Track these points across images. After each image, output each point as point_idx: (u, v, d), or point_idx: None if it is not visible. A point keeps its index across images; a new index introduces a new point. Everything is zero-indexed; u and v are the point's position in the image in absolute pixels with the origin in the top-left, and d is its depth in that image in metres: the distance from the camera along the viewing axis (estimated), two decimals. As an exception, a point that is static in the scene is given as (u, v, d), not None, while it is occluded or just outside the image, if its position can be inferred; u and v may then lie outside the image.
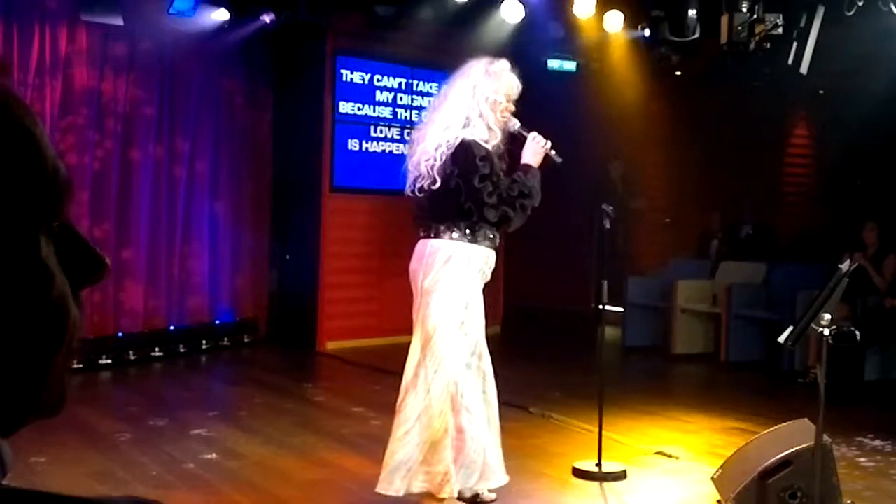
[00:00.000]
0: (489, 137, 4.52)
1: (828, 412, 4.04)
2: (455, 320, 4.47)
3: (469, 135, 4.48)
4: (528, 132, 4.68)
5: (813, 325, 4.00)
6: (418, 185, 4.55)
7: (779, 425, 4.77)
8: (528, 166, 4.61)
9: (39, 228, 0.76)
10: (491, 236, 4.56)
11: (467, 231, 4.48)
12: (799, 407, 5.17)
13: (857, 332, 4.49)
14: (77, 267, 0.80)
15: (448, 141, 4.46)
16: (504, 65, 4.65)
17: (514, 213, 4.49)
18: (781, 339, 4.24)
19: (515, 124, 4.65)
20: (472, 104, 4.55)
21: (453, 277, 4.48)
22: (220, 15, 8.78)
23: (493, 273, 4.70)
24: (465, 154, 4.44)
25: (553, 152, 4.63)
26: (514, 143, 4.74)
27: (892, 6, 7.11)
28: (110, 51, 8.62)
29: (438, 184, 4.46)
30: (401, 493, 4.56)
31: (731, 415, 7.27)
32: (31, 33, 8.05)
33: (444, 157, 4.46)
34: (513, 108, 4.63)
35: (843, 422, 6.66)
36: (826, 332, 3.94)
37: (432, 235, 4.53)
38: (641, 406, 7.51)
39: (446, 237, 4.48)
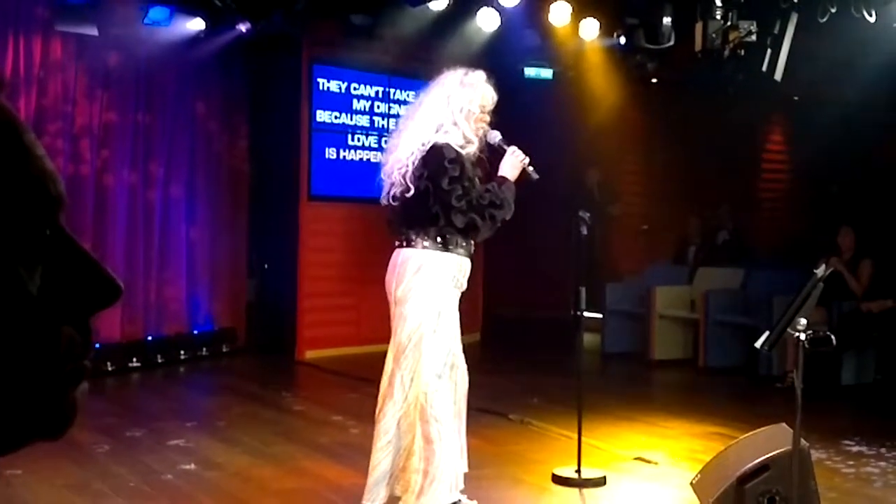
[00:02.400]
0: (464, 144, 4.51)
1: (805, 416, 4.06)
2: (428, 329, 4.45)
3: (441, 139, 4.47)
4: (508, 145, 4.67)
5: (789, 329, 4.02)
6: (392, 193, 4.53)
7: (757, 430, 4.78)
8: (503, 178, 4.59)
9: (22, 247, 0.74)
10: (464, 244, 4.51)
11: (438, 239, 4.44)
12: (777, 411, 5.19)
13: (833, 337, 4.51)
14: (89, 291, 0.79)
15: (421, 146, 4.46)
16: (480, 76, 4.63)
17: (482, 221, 4.43)
18: (758, 343, 4.26)
19: (496, 137, 4.63)
20: (447, 113, 4.52)
21: (425, 286, 4.45)
22: (196, 25, 8.75)
23: (472, 280, 4.68)
24: (434, 157, 4.42)
25: (531, 168, 4.62)
26: (493, 154, 4.73)
27: (865, 13, 7.17)
28: (85, 62, 8.58)
29: (411, 191, 4.45)
30: (384, 502, 4.57)
31: (709, 420, 7.30)
32: (5, 43, 8.01)
33: (415, 163, 4.45)
34: (488, 118, 4.60)
35: (821, 426, 6.69)
36: (802, 336, 3.96)
37: (404, 244, 4.51)
38: (621, 412, 7.52)
39: (418, 246, 4.45)
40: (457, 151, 4.47)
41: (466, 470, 4.71)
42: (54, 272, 0.77)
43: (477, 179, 4.53)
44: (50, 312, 0.76)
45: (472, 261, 4.62)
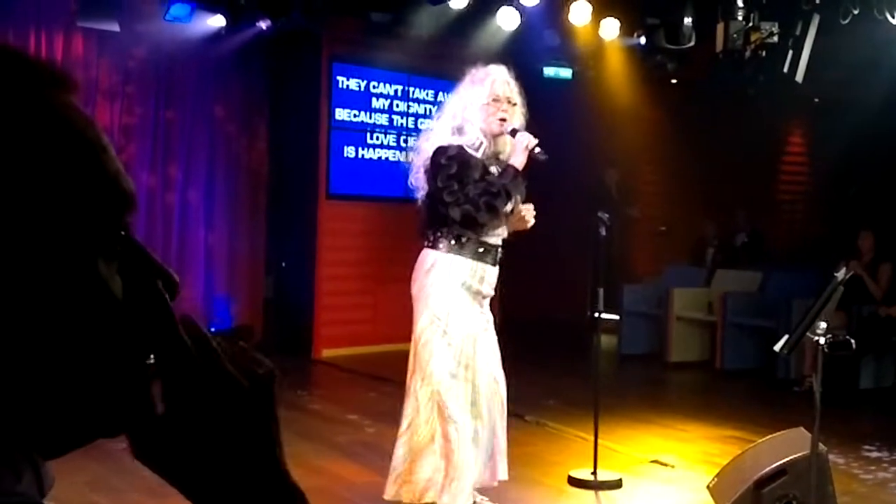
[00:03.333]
0: (476, 143, 4.48)
1: (823, 421, 4.04)
2: (436, 329, 4.45)
3: (455, 141, 4.47)
4: (520, 131, 4.59)
5: (808, 333, 4.00)
6: (417, 196, 4.60)
7: (774, 434, 4.76)
8: (508, 166, 4.53)
9: (100, 245, 0.75)
10: (480, 250, 4.48)
11: (453, 241, 4.45)
12: (794, 415, 5.17)
13: (853, 341, 4.48)
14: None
15: (434, 149, 4.50)
16: (490, 69, 4.60)
17: (477, 211, 4.38)
18: (777, 347, 4.24)
19: (509, 126, 4.55)
20: (459, 113, 4.55)
21: (434, 286, 4.46)
22: (217, 21, 8.77)
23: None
24: (435, 157, 4.45)
25: (538, 150, 4.50)
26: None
27: (888, 14, 7.13)
28: (106, 57, 8.61)
29: (425, 192, 4.52)
30: (392, 498, 4.58)
31: (726, 423, 7.27)
32: (27, 39, 8.05)
33: (426, 166, 4.49)
34: (506, 107, 4.52)
35: (839, 430, 6.66)
36: (822, 340, 3.94)
37: (426, 244, 4.55)
38: (637, 414, 7.50)
39: (437, 246, 4.49)
40: (457, 149, 4.46)
41: (504, 478, 4.72)
42: (127, 268, 0.79)
43: (487, 173, 4.49)
44: (130, 309, 0.78)
45: (496, 265, 4.55)
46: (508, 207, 4.49)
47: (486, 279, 4.52)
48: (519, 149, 4.48)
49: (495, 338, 4.68)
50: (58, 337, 0.72)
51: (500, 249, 4.57)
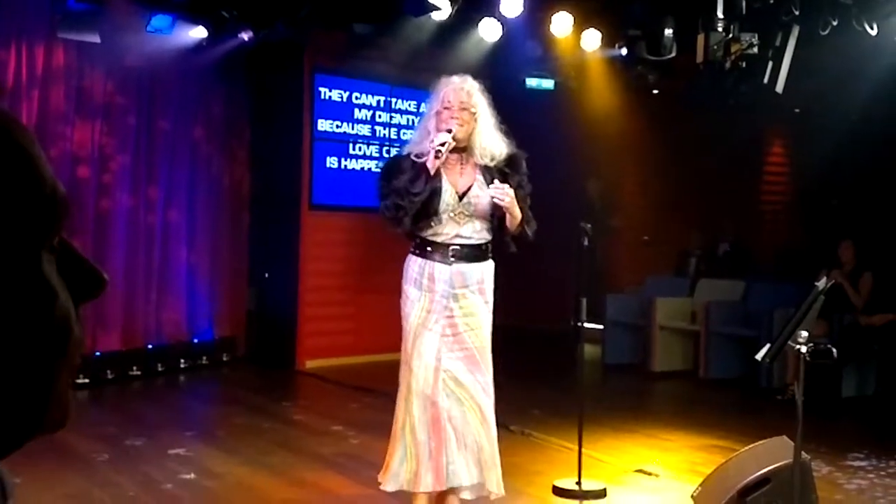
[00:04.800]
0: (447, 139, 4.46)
1: (806, 429, 4.05)
2: (407, 331, 4.55)
3: (412, 150, 4.59)
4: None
5: (790, 342, 4.02)
6: None
7: (758, 442, 4.77)
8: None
9: (41, 247, 0.77)
10: (428, 249, 4.52)
11: (412, 244, 4.59)
12: (778, 424, 5.17)
13: (834, 350, 4.50)
14: (76, 283, 0.81)
15: None
16: (448, 78, 4.63)
17: (387, 212, 4.49)
18: (759, 356, 4.25)
19: (449, 133, 4.45)
20: (421, 124, 4.72)
21: (403, 289, 4.59)
22: (199, 33, 8.76)
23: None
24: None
25: (439, 146, 4.37)
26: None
27: (867, 25, 7.18)
28: (87, 69, 8.59)
29: None
30: (383, 488, 4.62)
31: (710, 432, 7.29)
32: (8, 50, 8.02)
33: None
34: (457, 115, 4.47)
35: (822, 438, 6.69)
36: (803, 349, 3.96)
37: None
38: (621, 424, 7.51)
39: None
40: (394, 158, 4.72)
41: (455, 484, 4.55)
42: (62, 268, 0.80)
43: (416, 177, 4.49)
44: (64, 304, 0.78)
45: (450, 264, 4.51)
46: (402, 203, 4.46)
47: (436, 277, 4.50)
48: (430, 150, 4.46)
49: (472, 341, 4.59)
50: (7, 334, 0.73)
51: (457, 248, 4.52)
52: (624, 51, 9.14)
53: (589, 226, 5.66)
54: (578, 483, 5.57)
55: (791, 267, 11.12)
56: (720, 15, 7.15)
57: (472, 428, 4.52)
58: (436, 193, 4.47)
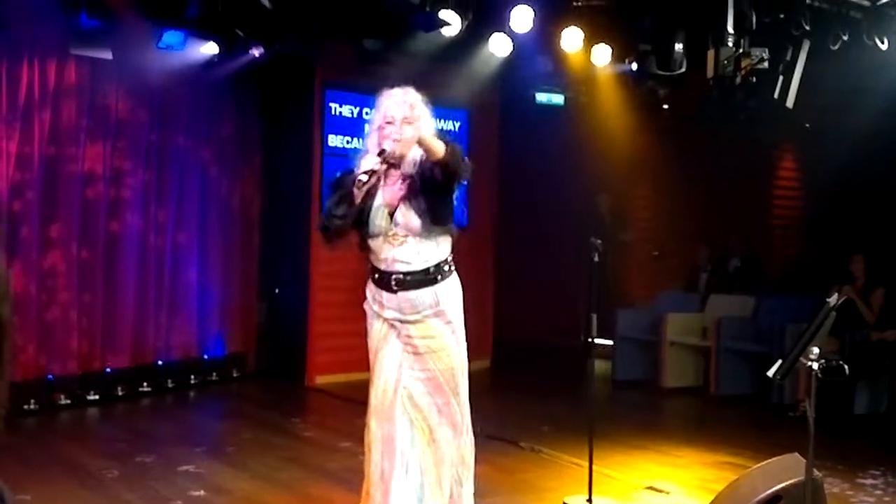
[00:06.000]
0: (374, 166, 4.30)
1: (818, 446, 4.03)
2: (370, 346, 4.54)
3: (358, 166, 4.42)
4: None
5: (802, 358, 4.00)
6: None
7: (769, 460, 4.74)
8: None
9: None
10: (376, 276, 4.43)
11: (368, 268, 4.52)
12: (789, 441, 5.16)
13: (846, 366, 4.47)
14: None
15: None
16: (387, 92, 4.61)
17: (322, 231, 4.47)
18: (770, 372, 4.23)
19: (388, 146, 4.35)
20: (365, 139, 4.60)
21: (364, 306, 4.56)
22: (210, 49, 8.79)
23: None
24: None
25: (363, 173, 4.23)
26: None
27: (877, 40, 7.17)
28: (99, 85, 8.62)
29: None
30: None
31: (721, 449, 7.25)
32: (21, 67, 8.05)
33: None
34: (396, 127, 4.39)
35: (834, 456, 6.66)
36: (815, 366, 3.93)
37: None
38: (632, 440, 7.49)
39: None
40: (341, 174, 4.59)
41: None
42: None
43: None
44: None
45: (395, 293, 4.37)
46: (325, 221, 4.44)
47: (384, 304, 4.42)
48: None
49: (435, 363, 4.41)
50: None
51: (399, 277, 4.36)
52: (634, 66, 9.13)
53: (599, 241, 5.64)
54: (589, 500, 5.55)
55: (802, 282, 11.09)
56: (730, 30, 7.14)
57: (417, 451, 4.37)
58: (367, 217, 4.37)
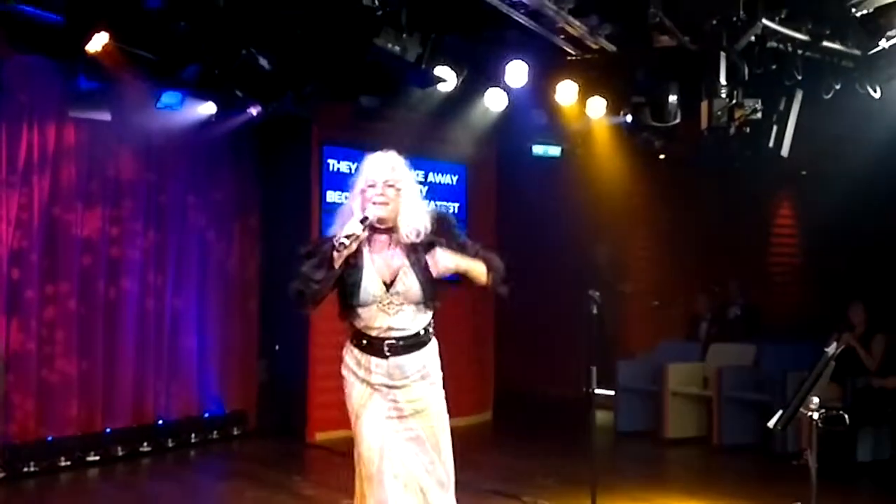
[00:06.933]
0: (356, 231, 4.27)
1: (821, 495, 4.01)
2: (350, 412, 4.46)
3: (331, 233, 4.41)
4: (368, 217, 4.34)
5: (802, 409, 3.99)
6: None
7: (773, 510, 4.72)
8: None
9: None
10: (364, 342, 4.37)
11: (351, 335, 4.47)
12: (793, 490, 5.12)
13: (846, 416, 4.46)
14: None
15: None
16: (372, 155, 4.56)
17: (289, 295, 4.42)
18: (771, 424, 4.23)
19: (369, 213, 4.33)
20: (346, 203, 4.54)
21: (343, 374, 4.50)
22: (207, 109, 8.86)
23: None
24: None
25: (343, 238, 4.23)
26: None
27: (870, 88, 7.23)
28: (98, 146, 8.66)
29: None
30: None
31: (726, 500, 7.22)
32: (20, 129, 8.11)
33: None
34: (380, 191, 4.37)
35: (838, 504, 6.61)
36: (815, 415, 3.93)
37: None
38: (636, 492, 7.44)
39: None
40: (318, 240, 4.55)
41: None
42: None
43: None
44: None
45: (386, 358, 4.32)
46: (300, 287, 4.39)
47: (372, 370, 4.36)
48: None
49: (420, 423, 4.36)
50: None
51: (392, 342, 4.32)
52: (629, 117, 9.20)
53: (597, 294, 5.66)
54: (593, 554, 5.50)
55: (803, 329, 11.07)
56: (723, 81, 7.19)
57: None
58: (356, 286, 4.31)
